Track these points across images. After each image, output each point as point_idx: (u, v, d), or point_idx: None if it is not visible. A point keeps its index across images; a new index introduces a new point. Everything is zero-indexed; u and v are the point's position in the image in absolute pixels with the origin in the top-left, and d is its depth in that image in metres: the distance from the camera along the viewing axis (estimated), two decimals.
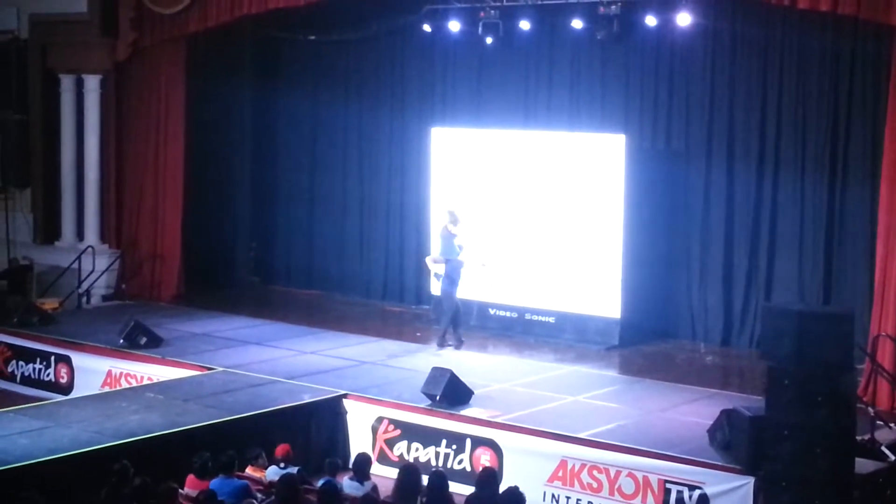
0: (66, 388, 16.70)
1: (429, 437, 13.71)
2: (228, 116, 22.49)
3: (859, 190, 16.58)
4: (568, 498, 12.77)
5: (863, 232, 16.49)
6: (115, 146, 21.43)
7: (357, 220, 21.55)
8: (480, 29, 17.99)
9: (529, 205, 18.32)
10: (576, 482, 12.73)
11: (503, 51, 18.74)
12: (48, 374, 17.07)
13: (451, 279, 17.29)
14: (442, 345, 17.23)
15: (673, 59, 18.14)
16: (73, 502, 10.15)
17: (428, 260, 18.02)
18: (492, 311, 18.64)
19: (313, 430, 14.05)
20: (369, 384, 14.95)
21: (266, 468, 11.88)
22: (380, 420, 14.10)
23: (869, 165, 16.32)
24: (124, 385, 15.94)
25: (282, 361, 16.27)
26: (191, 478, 11.29)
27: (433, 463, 13.47)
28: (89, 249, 20.80)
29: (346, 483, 11.42)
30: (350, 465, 12.21)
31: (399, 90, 20.87)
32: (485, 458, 13.22)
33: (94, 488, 10.60)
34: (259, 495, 10.97)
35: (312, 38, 21.19)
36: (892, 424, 13.42)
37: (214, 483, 10.91)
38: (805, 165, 17.11)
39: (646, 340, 17.79)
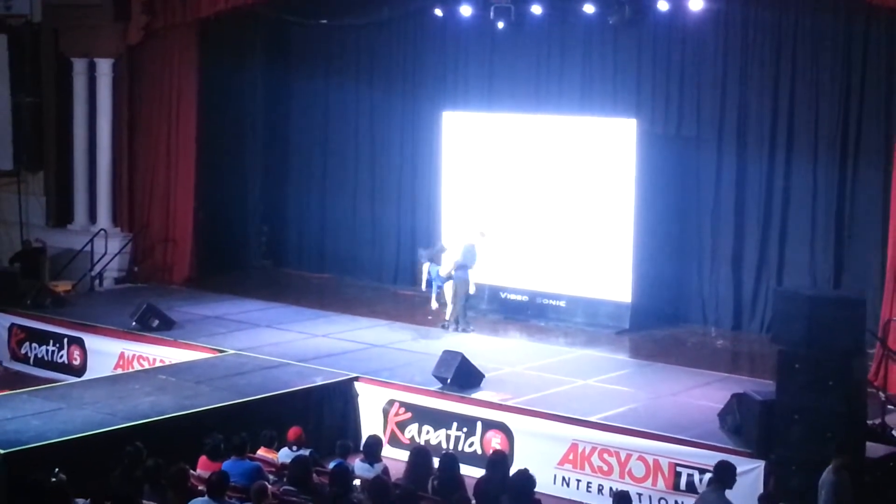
0: (79, 370, 16.80)
1: (440, 419, 13.76)
2: (240, 100, 22.54)
3: (871, 175, 16.56)
4: (578, 481, 12.81)
5: (874, 217, 16.46)
6: (127, 129, 21.51)
7: (369, 203, 21.56)
8: (492, 13, 17.99)
9: (541, 189, 18.32)
10: (586, 465, 12.78)
11: (515, 35, 18.76)
12: (61, 356, 17.15)
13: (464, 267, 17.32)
14: (458, 327, 17.20)
15: (685, 43, 18.10)
16: (85, 483, 10.18)
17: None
18: (503, 295, 18.65)
19: (325, 413, 14.12)
20: (380, 367, 15.00)
21: (278, 450, 11.93)
22: (391, 403, 14.16)
23: (881, 151, 16.29)
24: (137, 367, 16.03)
25: (293, 344, 16.32)
26: (203, 459, 11.35)
27: (444, 446, 13.52)
28: (102, 232, 20.86)
29: (358, 465, 11.45)
30: (361, 448, 12.24)
31: (411, 74, 20.87)
32: (495, 441, 13.27)
33: (106, 469, 10.65)
34: (271, 477, 11.02)
35: (324, 22, 21.15)
36: None
37: (227, 464, 10.96)
38: (817, 151, 17.09)
39: (657, 324, 17.80)
